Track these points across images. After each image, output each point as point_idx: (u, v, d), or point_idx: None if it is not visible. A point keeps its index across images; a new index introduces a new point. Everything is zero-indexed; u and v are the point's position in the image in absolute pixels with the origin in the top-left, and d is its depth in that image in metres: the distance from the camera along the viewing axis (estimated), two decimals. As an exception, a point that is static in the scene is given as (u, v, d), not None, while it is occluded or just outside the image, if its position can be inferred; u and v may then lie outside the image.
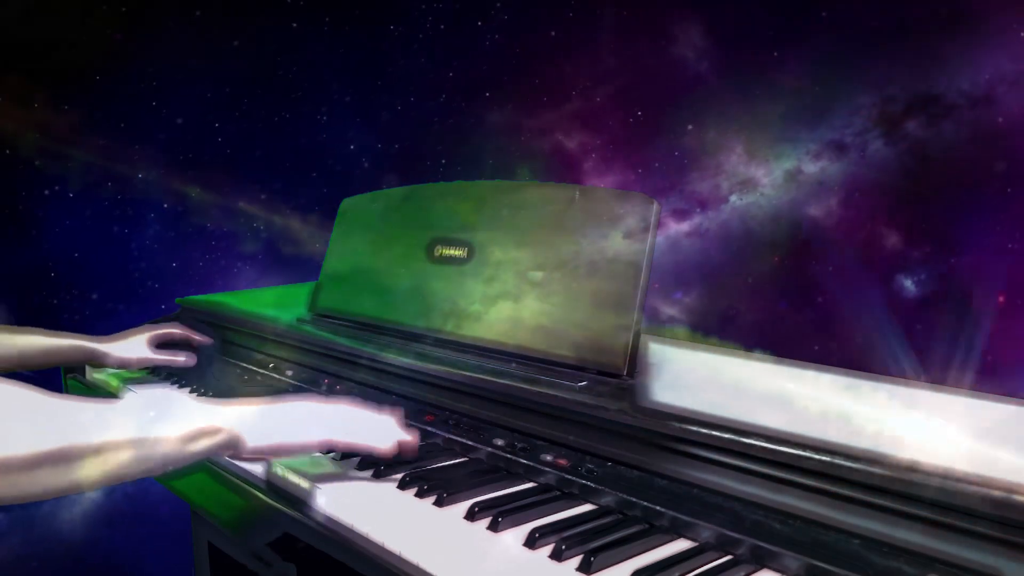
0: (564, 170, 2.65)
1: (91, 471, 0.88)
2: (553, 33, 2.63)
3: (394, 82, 2.84)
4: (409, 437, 1.14)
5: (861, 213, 2.15)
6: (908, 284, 2.08)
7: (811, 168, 2.18)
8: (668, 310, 2.36)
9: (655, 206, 1.25)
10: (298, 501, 1.11)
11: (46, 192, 2.69)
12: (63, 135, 2.68)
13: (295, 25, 2.78)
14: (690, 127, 2.35)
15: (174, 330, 1.74)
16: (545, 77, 2.67)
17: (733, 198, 2.29)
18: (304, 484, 1.12)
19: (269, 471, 1.17)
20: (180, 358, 1.71)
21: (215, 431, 1.00)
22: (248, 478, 1.21)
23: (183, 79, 2.74)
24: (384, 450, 1.11)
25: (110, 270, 2.80)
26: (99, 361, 1.64)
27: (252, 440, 1.04)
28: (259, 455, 1.07)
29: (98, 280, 2.78)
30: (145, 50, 2.69)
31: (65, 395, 0.92)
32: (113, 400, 0.98)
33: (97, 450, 0.88)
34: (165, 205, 2.85)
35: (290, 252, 2.88)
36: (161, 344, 1.72)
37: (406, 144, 2.86)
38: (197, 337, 1.77)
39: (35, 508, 2.70)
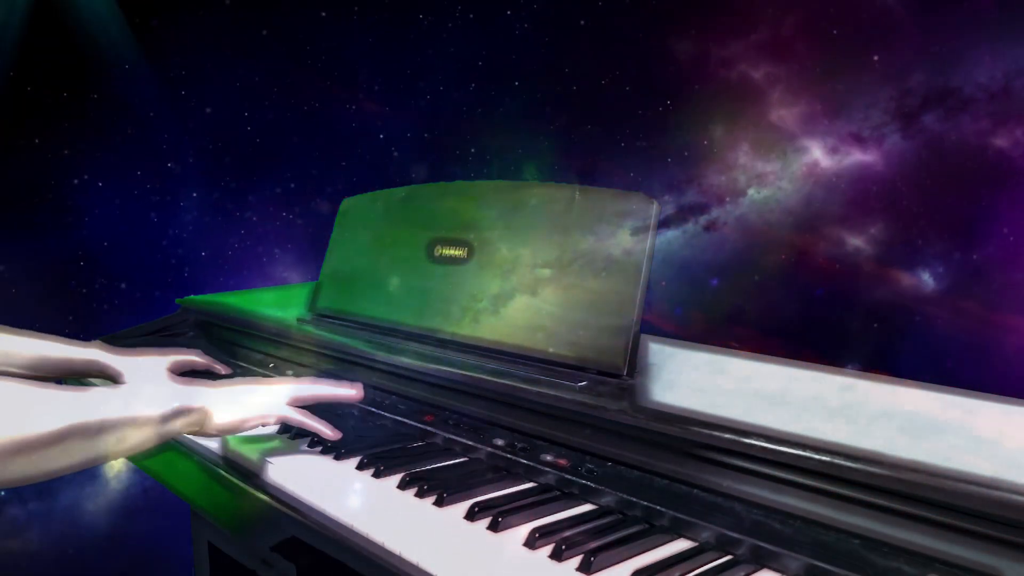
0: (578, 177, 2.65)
1: (78, 452, 0.97)
2: (582, 22, 2.62)
3: (424, 71, 2.84)
4: (352, 391, 1.27)
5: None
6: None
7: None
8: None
9: (655, 206, 1.25)
10: (297, 501, 1.11)
11: (75, 181, 2.69)
12: (93, 124, 2.67)
13: (324, 14, 2.78)
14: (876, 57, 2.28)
15: (196, 358, 1.62)
16: (575, 67, 2.67)
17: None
18: (303, 484, 1.12)
19: (268, 474, 1.17)
20: None
21: (189, 410, 1.11)
22: (248, 478, 1.21)
23: (213, 68, 2.73)
24: (329, 435, 1.22)
25: (140, 258, 2.80)
26: (112, 379, 1.51)
27: (217, 418, 1.14)
28: (223, 431, 1.17)
29: (128, 269, 2.77)
30: (175, 39, 2.69)
31: (42, 383, 0.97)
32: (90, 386, 1.01)
33: (85, 432, 0.97)
34: (195, 194, 2.85)
35: (321, 241, 2.87)
36: (181, 372, 1.58)
37: (435, 133, 2.87)
38: (219, 367, 1.65)
39: (34, 508, 2.70)
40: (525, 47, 2.71)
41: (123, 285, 2.75)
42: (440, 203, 1.56)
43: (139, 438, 1.04)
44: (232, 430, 1.18)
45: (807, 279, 2.44)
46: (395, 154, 2.87)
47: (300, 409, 1.22)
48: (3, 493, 2.66)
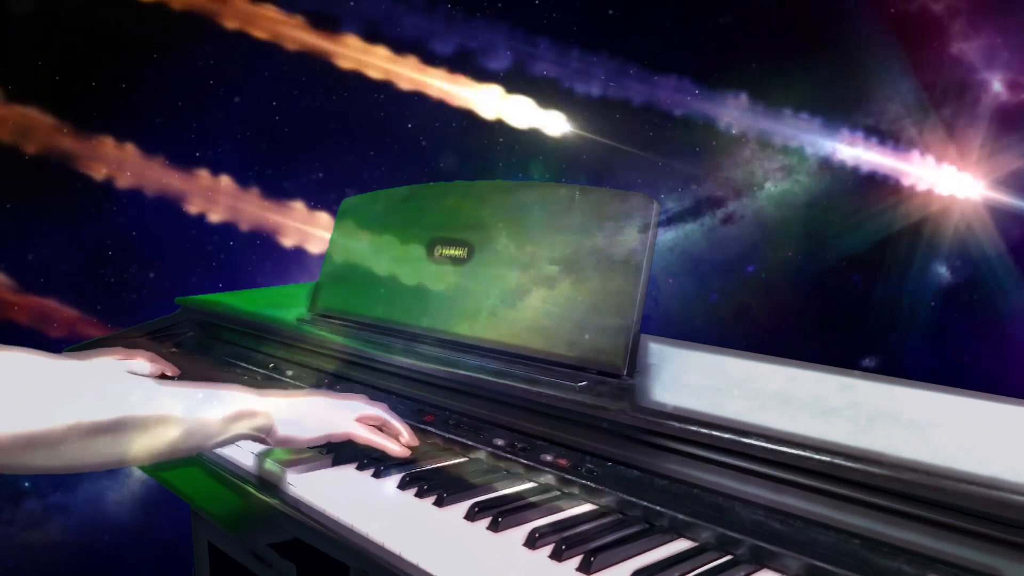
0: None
1: (141, 444, 0.95)
2: (611, 11, 2.62)
3: (453, 60, 2.83)
4: (415, 441, 1.22)
5: None
6: None
7: None
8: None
9: (655, 206, 1.25)
10: (297, 501, 1.11)
11: (104, 170, 2.68)
12: (118, 114, 2.67)
13: (352, 3, 2.77)
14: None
15: (143, 360, 1.56)
16: (604, 53, 2.67)
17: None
18: (304, 484, 1.12)
19: (266, 469, 1.17)
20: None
21: (253, 414, 1.08)
22: (248, 479, 1.21)
23: (241, 58, 2.73)
24: (397, 452, 1.17)
25: (170, 248, 2.79)
26: None
27: (282, 429, 1.11)
28: (286, 442, 1.13)
29: (158, 258, 2.76)
30: (205, 28, 2.68)
31: (118, 372, 0.96)
32: (163, 380, 1.01)
33: (148, 424, 0.95)
34: (221, 184, 2.85)
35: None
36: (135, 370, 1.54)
37: (463, 123, 2.85)
38: (168, 372, 1.62)
39: (31, 507, 2.70)
40: (547, 35, 2.70)
41: (152, 275, 2.74)
42: (440, 203, 1.56)
43: (200, 437, 1.01)
44: (291, 442, 1.13)
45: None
46: (423, 143, 2.87)
47: (367, 426, 1.18)
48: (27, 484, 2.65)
